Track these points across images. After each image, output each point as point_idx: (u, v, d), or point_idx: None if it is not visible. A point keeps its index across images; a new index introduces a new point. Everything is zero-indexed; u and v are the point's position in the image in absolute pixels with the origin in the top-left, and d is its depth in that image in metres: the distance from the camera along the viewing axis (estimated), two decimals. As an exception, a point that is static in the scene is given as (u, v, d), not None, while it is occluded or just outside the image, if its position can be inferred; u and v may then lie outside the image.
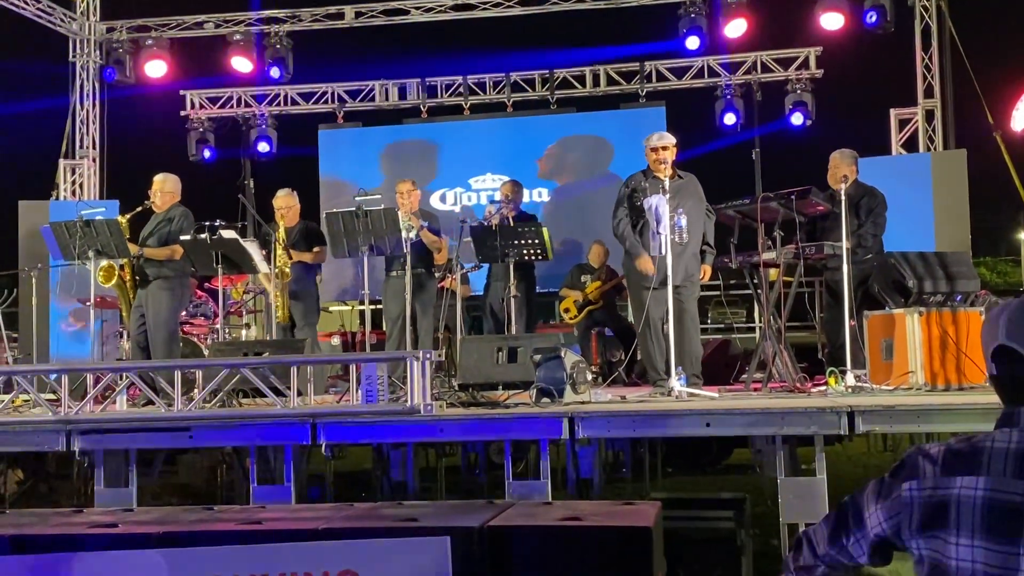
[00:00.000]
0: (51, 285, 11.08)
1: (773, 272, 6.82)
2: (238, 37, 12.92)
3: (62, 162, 12.95)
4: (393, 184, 9.16)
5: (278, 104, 13.81)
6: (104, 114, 13.36)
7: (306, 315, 8.30)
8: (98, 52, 13.29)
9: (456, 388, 6.63)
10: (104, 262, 7.28)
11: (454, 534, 3.68)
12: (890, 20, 11.43)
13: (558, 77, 13.14)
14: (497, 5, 12.74)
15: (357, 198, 7.36)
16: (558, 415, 5.22)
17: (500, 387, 6.65)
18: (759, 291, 6.84)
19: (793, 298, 6.99)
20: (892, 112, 12.28)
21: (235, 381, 5.58)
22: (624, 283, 8.36)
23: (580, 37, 14.83)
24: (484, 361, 6.86)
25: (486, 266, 8.97)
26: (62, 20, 12.90)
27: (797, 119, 12.54)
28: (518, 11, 12.75)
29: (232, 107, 13.81)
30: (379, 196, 7.71)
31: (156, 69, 13.00)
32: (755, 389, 6.55)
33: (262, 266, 7.81)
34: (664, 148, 6.87)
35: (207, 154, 13.62)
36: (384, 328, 8.94)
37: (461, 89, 13.32)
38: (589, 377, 6.21)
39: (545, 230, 7.98)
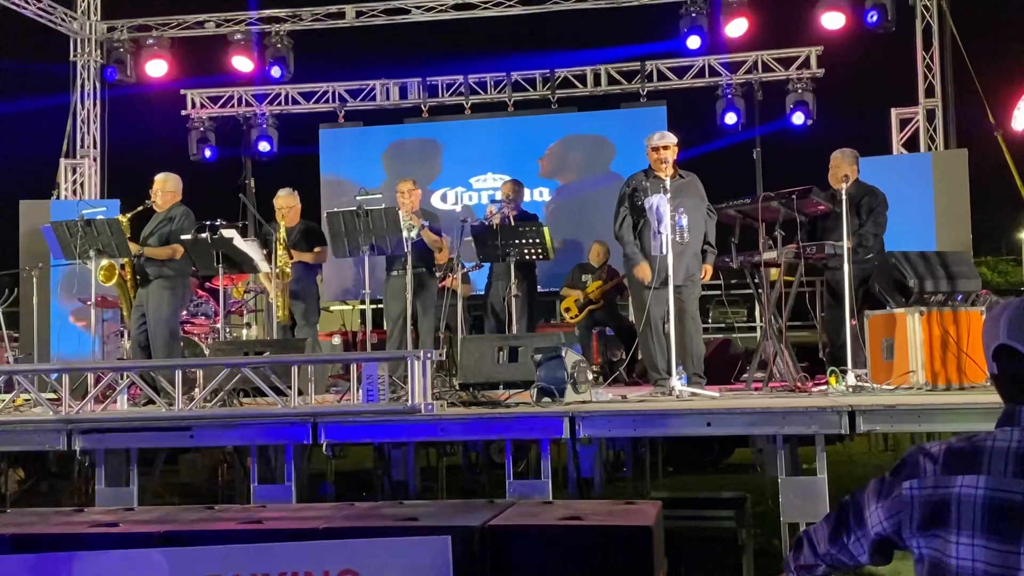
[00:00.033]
0: (52, 284, 11.10)
1: (774, 272, 6.82)
2: (239, 36, 12.92)
3: (63, 161, 12.95)
4: (394, 183, 9.16)
5: (279, 103, 13.82)
6: (105, 113, 13.36)
7: (307, 315, 8.30)
8: (99, 51, 13.29)
9: (457, 387, 6.63)
10: (105, 261, 7.28)
11: (455, 533, 3.68)
12: (891, 19, 11.43)
13: (559, 76, 13.14)
14: (498, 4, 12.73)
15: (358, 197, 7.36)
16: (559, 415, 5.22)
17: (501, 386, 6.64)
18: (760, 291, 6.84)
19: (794, 298, 6.99)
20: (893, 112, 12.28)
21: (236, 380, 5.58)
22: (625, 282, 8.37)
23: (581, 36, 14.85)
24: (485, 360, 6.85)
25: (487, 265, 8.97)
26: (63, 19, 12.90)
27: (798, 119, 12.54)
28: (519, 10, 12.74)
29: (233, 106, 13.81)
30: (380, 195, 7.70)
31: (157, 68, 13.00)
32: (756, 388, 6.55)
33: (262, 266, 7.81)
34: (665, 147, 6.87)
35: (208, 153, 13.63)
36: (385, 327, 8.94)
37: (462, 88, 13.32)
38: (590, 376, 6.20)
39: (546, 229, 7.98)
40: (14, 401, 6.65)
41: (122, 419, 5.79)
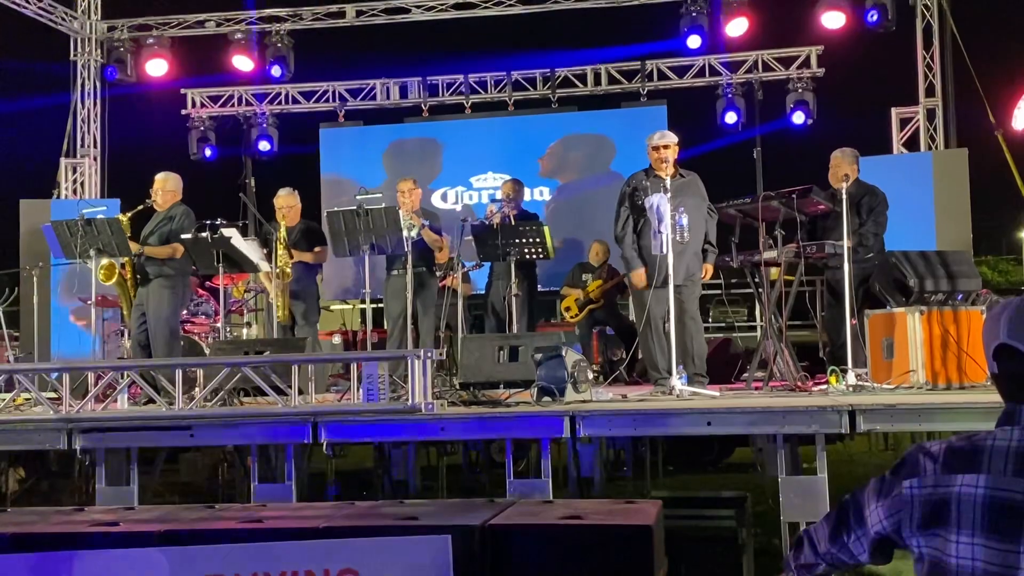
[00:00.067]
0: (52, 284, 11.10)
1: (774, 271, 6.82)
2: (239, 36, 12.92)
3: (63, 161, 12.95)
4: (394, 183, 9.16)
5: (279, 103, 13.82)
6: (105, 113, 13.36)
7: (307, 314, 8.31)
8: (99, 51, 13.29)
9: (457, 387, 6.63)
10: (105, 260, 7.28)
11: (455, 533, 3.68)
12: (891, 19, 11.43)
13: (559, 76, 13.14)
14: (498, 4, 12.73)
15: (358, 197, 7.36)
16: (559, 414, 5.22)
17: (501, 386, 6.65)
18: (760, 290, 6.84)
19: (794, 297, 6.99)
20: (893, 111, 12.27)
21: (236, 380, 5.58)
22: (625, 282, 8.36)
23: (581, 36, 14.84)
24: (485, 360, 6.86)
25: (487, 265, 8.97)
26: (63, 19, 12.90)
27: (798, 118, 12.54)
28: (519, 10, 12.74)
29: (233, 106, 13.81)
30: (380, 195, 7.70)
31: (157, 68, 13.00)
32: (756, 388, 6.55)
33: (262, 265, 7.81)
34: (665, 147, 6.87)
35: (208, 153, 13.64)
36: (385, 327, 8.94)
37: (462, 88, 13.32)
38: (590, 376, 6.20)
39: (546, 229, 7.98)
40: (15, 400, 6.65)
41: (122, 418, 5.79)
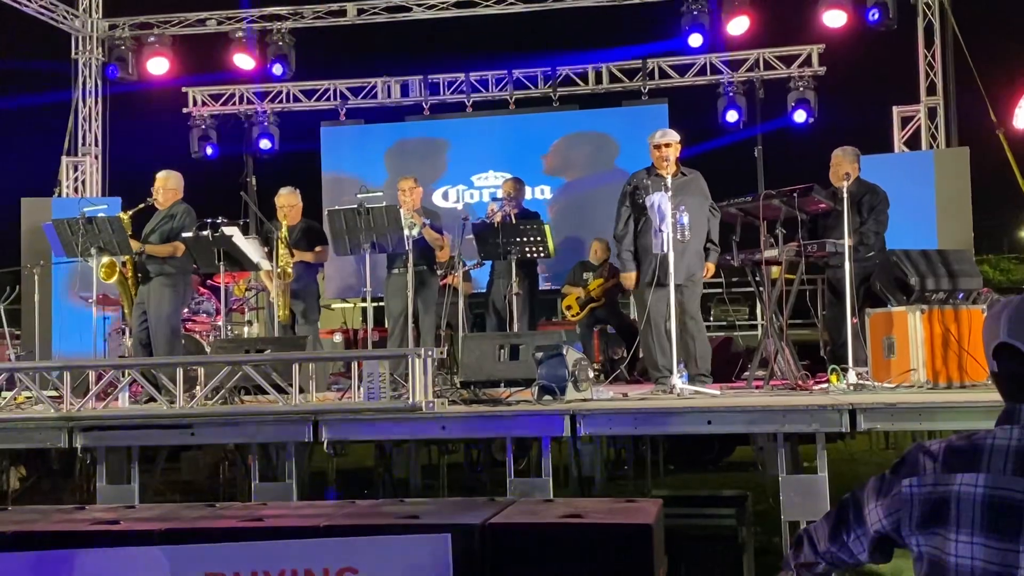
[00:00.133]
0: (54, 282, 11.10)
1: (775, 270, 6.81)
2: (240, 34, 12.92)
3: (64, 159, 12.96)
4: (395, 181, 9.17)
5: (280, 101, 13.83)
6: (106, 111, 13.37)
7: (307, 313, 8.32)
8: (100, 49, 13.30)
9: (458, 385, 6.63)
10: (106, 259, 7.28)
11: (455, 531, 3.67)
12: (892, 17, 11.42)
13: (560, 75, 13.14)
14: (500, 2, 12.73)
15: (359, 195, 7.37)
16: (560, 412, 5.22)
17: (502, 384, 6.65)
18: (761, 289, 6.83)
19: (795, 296, 6.99)
20: (895, 109, 12.27)
21: (237, 378, 5.58)
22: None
23: (582, 34, 14.84)
24: (486, 358, 6.86)
25: (488, 263, 8.97)
26: (64, 17, 12.91)
27: (800, 116, 12.55)
28: (520, 8, 12.74)
29: (234, 104, 13.83)
30: (381, 193, 7.70)
31: (158, 66, 13.01)
32: (757, 387, 6.55)
33: (263, 263, 7.81)
34: (667, 145, 6.86)
35: (209, 151, 13.65)
36: (386, 325, 8.95)
37: (463, 87, 13.32)
38: (591, 374, 6.20)
39: (547, 227, 7.98)
40: (16, 399, 6.65)
41: (123, 417, 5.79)
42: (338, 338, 11.60)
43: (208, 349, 8.34)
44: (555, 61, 13.30)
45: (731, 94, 12.75)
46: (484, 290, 9.57)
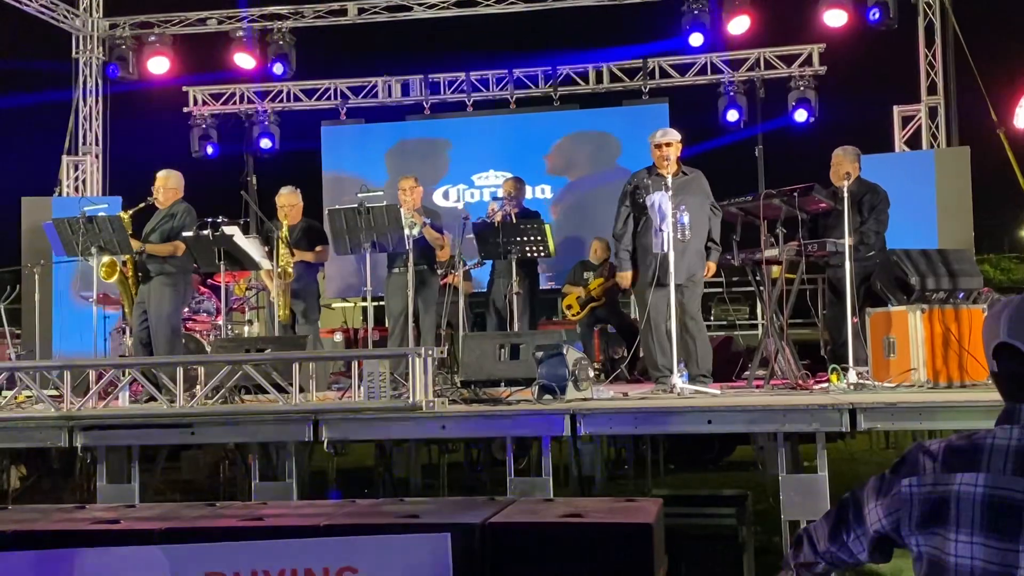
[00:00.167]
0: (54, 281, 11.11)
1: (776, 269, 6.81)
2: (240, 33, 12.92)
3: (65, 158, 12.96)
4: (396, 181, 9.17)
5: (281, 100, 13.83)
6: (107, 110, 13.37)
7: (307, 312, 8.32)
8: (101, 48, 13.30)
9: (458, 385, 6.63)
10: (106, 258, 7.28)
11: (455, 531, 3.67)
12: (893, 17, 11.42)
13: (561, 74, 13.14)
14: (500, 2, 12.72)
15: (359, 195, 7.37)
16: (560, 412, 5.22)
17: (502, 384, 6.65)
18: (761, 288, 6.83)
19: (795, 295, 6.98)
20: (895, 109, 12.27)
21: (237, 377, 5.58)
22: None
23: (583, 34, 14.83)
24: (486, 358, 6.85)
25: (489, 263, 8.97)
26: (65, 16, 12.91)
27: (800, 116, 12.54)
28: (521, 7, 12.74)
29: (235, 103, 13.83)
30: (381, 193, 7.70)
31: (159, 65, 13.01)
32: (757, 386, 6.54)
33: (264, 263, 7.81)
34: (668, 144, 6.86)
35: (210, 150, 13.65)
36: (387, 325, 8.95)
37: (464, 86, 13.32)
38: (591, 374, 6.20)
39: (548, 227, 7.98)
40: (16, 398, 6.65)
41: (124, 416, 5.79)
42: (338, 337, 11.60)
43: (208, 348, 8.34)
44: (556, 60, 13.30)
45: (732, 93, 12.75)
46: (484, 289, 9.57)
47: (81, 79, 13.21)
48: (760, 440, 5.86)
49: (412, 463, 7.45)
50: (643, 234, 6.85)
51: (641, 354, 7.36)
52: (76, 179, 13.06)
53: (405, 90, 13.55)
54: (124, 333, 8.74)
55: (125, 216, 7.39)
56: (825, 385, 6.26)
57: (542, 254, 8.08)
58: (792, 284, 6.94)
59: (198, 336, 8.87)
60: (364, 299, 8.78)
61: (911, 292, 6.28)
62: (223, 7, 13.24)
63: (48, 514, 4.69)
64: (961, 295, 6.28)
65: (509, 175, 10.33)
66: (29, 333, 11.23)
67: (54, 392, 6.17)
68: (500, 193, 9.98)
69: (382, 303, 9.11)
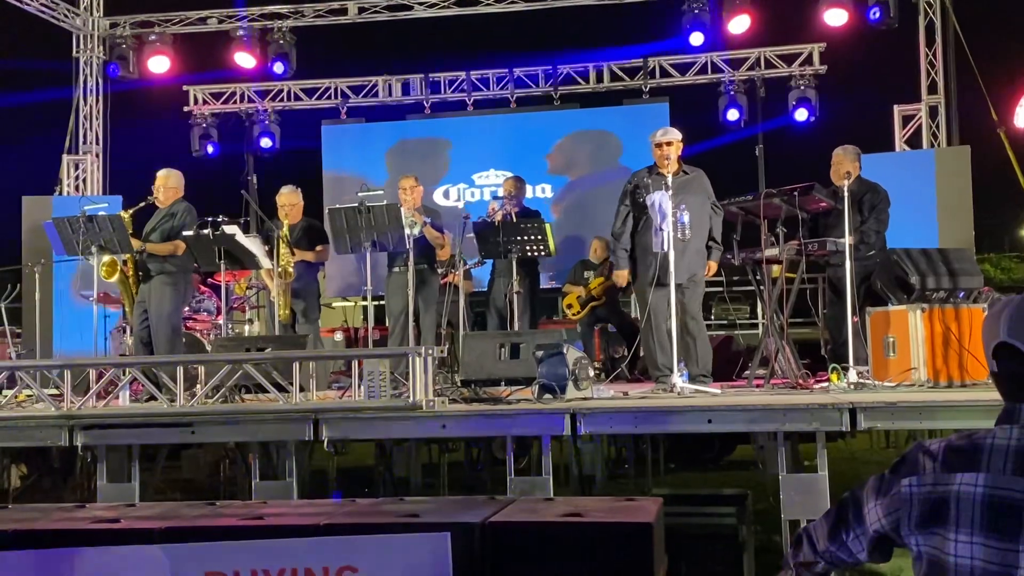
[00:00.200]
0: (55, 280, 11.11)
1: (776, 268, 6.81)
2: (241, 33, 12.92)
3: (65, 157, 12.96)
4: (396, 180, 9.17)
5: (281, 100, 13.83)
6: (107, 110, 13.36)
7: (308, 311, 8.32)
8: (101, 48, 13.30)
9: (459, 384, 6.63)
10: (107, 257, 7.28)
11: (455, 530, 3.67)
12: (893, 16, 11.42)
13: (562, 73, 13.14)
14: (501, 1, 12.72)
15: (360, 194, 7.37)
16: (560, 411, 5.22)
17: (503, 383, 6.64)
18: (762, 287, 6.83)
19: (796, 294, 6.99)
20: (896, 108, 12.27)
21: (238, 377, 5.59)
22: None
23: (583, 33, 14.83)
24: (487, 357, 6.85)
25: (489, 262, 8.97)
26: (65, 16, 12.91)
27: (801, 115, 12.54)
28: (521, 7, 12.74)
29: (235, 103, 13.83)
30: (382, 192, 7.70)
31: (159, 65, 13.01)
32: (757, 385, 6.55)
33: (264, 262, 7.80)
34: (668, 144, 6.85)
35: (210, 149, 13.65)
36: (387, 324, 8.95)
37: (465, 85, 13.32)
38: (591, 373, 6.20)
39: (548, 226, 7.98)
40: (16, 397, 6.65)
41: (124, 415, 5.80)
42: (339, 337, 11.60)
43: (209, 348, 8.34)
44: (556, 60, 13.30)
45: (732, 93, 12.75)
46: (485, 289, 9.57)
47: (81, 78, 13.21)
48: (760, 439, 5.86)
49: (412, 462, 7.45)
50: (643, 233, 6.85)
51: (641, 353, 7.36)
52: (76, 178, 13.06)
53: (405, 89, 13.55)
54: (124, 332, 8.74)
55: (125, 215, 7.39)
56: (825, 384, 6.26)
57: (542, 253, 8.08)
58: (792, 283, 6.94)
59: (198, 335, 8.87)
60: (364, 298, 8.75)
61: (911, 291, 6.28)
62: (223, 6, 13.24)
63: (48, 513, 4.69)
64: (961, 294, 6.28)
65: (509, 174, 10.33)
66: (30, 332, 11.23)
67: (54, 391, 6.17)
68: (500, 192, 9.97)
69: (382, 302, 9.10)
